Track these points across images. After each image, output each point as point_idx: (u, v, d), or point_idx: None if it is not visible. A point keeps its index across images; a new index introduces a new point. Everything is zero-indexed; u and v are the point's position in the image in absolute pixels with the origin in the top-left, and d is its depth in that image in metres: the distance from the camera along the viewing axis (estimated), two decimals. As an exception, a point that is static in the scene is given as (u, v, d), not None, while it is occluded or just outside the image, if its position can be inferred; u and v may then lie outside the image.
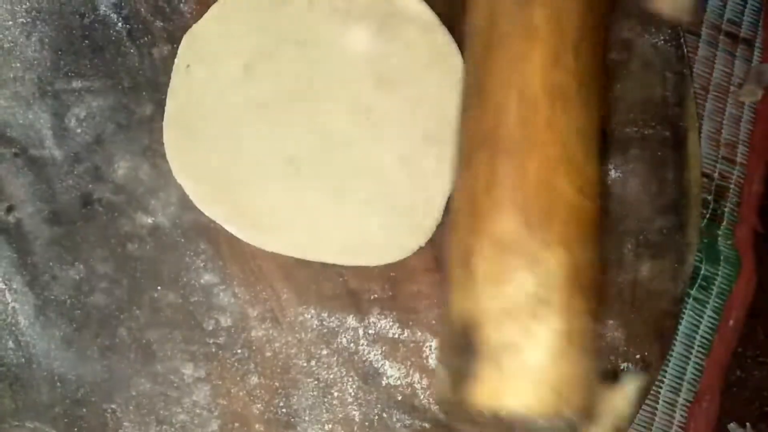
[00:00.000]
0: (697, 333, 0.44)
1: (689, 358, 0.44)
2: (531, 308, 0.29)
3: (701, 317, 0.44)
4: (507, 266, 0.30)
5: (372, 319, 0.40)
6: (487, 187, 0.30)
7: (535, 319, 0.29)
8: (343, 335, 0.40)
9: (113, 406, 0.40)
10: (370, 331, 0.40)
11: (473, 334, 0.30)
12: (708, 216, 0.45)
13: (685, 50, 0.42)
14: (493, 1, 0.32)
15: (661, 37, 0.42)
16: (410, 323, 0.40)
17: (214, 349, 0.40)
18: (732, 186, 0.45)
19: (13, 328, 0.40)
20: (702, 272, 0.44)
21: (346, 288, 0.40)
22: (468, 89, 0.33)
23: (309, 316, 0.40)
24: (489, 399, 0.29)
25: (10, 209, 0.40)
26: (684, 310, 0.44)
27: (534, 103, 0.30)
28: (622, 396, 0.33)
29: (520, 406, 0.29)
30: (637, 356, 0.41)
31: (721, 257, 0.45)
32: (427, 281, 0.41)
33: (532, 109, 0.30)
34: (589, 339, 0.30)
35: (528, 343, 0.29)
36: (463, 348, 0.30)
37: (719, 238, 0.45)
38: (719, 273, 0.45)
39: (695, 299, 0.44)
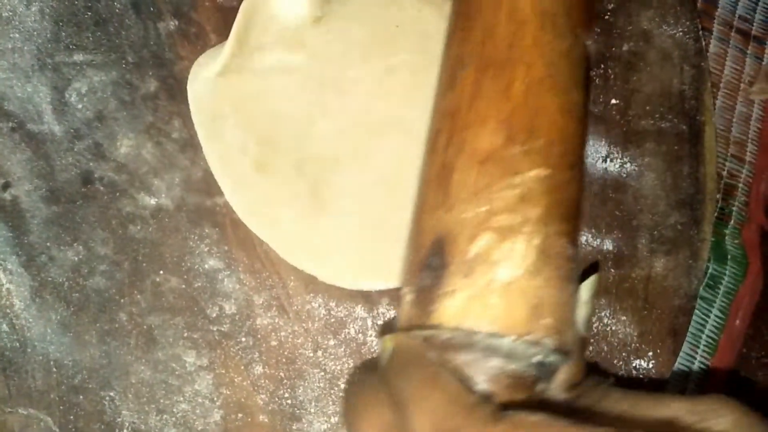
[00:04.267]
0: (703, 332, 0.44)
1: (695, 358, 0.44)
2: (509, 221, 0.29)
3: (708, 316, 0.44)
4: (487, 178, 0.29)
5: (381, 310, 0.39)
6: (471, 102, 0.30)
7: (512, 232, 0.28)
8: (351, 325, 0.39)
9: (111, 393, 0.38)
10: (378, 322, 0.39)
11: (446, 248, 0.29)
12: (716, 214, 0.44)
13: (703, 43, 0.42)
14: None
15: (680, 29, 0.42)
16: (420, 314, 0.39)
17: (217, 337, 0.38)
18: (740, 185, 0.45)
19: (8, 311, 0.38)
20: (710, 271, 0.44)
21: (356, 277, 0.39)
22: (455, 15, 0.34)
23: (316, 305, 0.39)
24: (457, 316, 0.28)
25: (6, 186, 0.38)
26: (692, 309, 0.43)
27: (522, 23, 0.31)
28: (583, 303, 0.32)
29: (489, 322, 0.28)
30: (650, 353, 0.40)
31: (729, 256, 0.44)
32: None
33: (521, 29, 0.30)
34: (566, 262, 0.30)
35: (504, 255, 0.28)
36: (432, 265, 0.29)
37: (726, 237, 0.44)
38: (726, 272, 0.44)
39: (702, 298, 0.43)
